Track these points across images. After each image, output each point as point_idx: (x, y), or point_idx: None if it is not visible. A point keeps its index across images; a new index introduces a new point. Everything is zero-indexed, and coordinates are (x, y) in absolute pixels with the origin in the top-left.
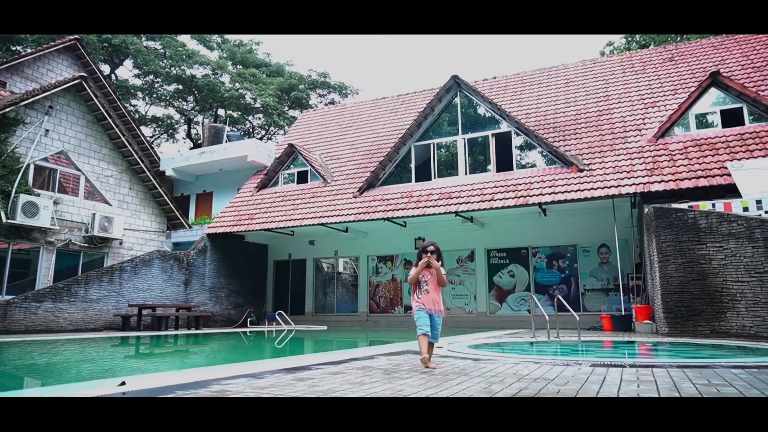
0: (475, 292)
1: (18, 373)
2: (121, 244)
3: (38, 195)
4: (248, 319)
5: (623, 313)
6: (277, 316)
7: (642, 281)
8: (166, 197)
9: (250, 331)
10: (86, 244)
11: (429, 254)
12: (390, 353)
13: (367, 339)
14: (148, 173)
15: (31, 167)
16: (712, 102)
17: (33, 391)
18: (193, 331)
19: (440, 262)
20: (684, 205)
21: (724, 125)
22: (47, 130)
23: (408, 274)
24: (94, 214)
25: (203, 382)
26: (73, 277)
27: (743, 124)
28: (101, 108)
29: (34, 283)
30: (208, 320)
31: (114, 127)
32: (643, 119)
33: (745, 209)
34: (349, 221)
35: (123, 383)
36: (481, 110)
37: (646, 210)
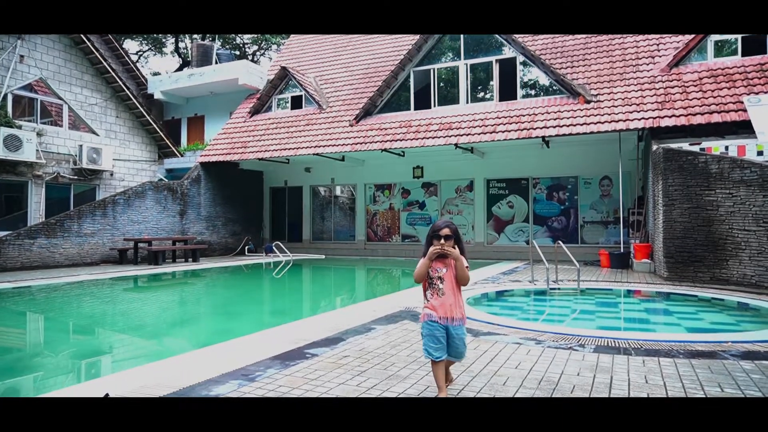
0: (473, 223)
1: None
2: (112, 175)
3: (20, 127)
4: (246, 247)
5: (621, 250)
6: (274, 248)
7: (643, 217)
8: (155, 125)
9: (248, 263)
10: (76, 177)
11: (443, 240)
12: (387, 317)
13: (365, 268)
14: (134, 100)
15: (9, 97)
16: None
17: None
18: (191, 266)
19: (460, 250)
20: (696, 148)
21: (744, 53)
22: (22, 56)
23: (415, 268)
24: (81, 146)
25: (186, 389)
26: (65, 212)
27: (765, 52)
28: None
29: (26, 216)
30: (205, 250)
31: (94, 51)
32: (658, 45)
33: (760, 153)
34: (346, 151)
35: (107, 395)
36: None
37: (654, 148)
